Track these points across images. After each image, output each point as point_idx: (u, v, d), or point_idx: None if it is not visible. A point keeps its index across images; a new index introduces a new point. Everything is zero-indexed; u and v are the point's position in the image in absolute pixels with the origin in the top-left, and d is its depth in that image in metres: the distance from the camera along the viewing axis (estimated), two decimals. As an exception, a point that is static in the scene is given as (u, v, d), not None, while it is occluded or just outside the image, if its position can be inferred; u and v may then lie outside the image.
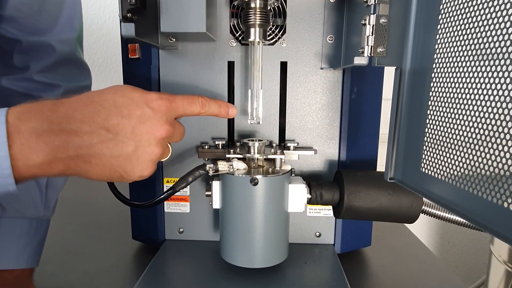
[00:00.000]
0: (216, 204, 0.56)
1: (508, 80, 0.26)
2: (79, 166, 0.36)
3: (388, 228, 0.78)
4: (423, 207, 0.53)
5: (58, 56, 0.59)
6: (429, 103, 0.37)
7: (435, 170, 0.36)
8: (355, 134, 0.61)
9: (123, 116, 0.36)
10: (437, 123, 0.36)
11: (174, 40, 0.58)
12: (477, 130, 0.30)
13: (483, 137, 0.29)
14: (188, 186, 0.60)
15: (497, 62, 0.27)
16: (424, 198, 0.52)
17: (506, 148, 0.26)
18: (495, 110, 0.27)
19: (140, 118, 0.37)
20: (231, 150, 0.55)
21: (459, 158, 0.32)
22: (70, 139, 0.34)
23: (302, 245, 0.65)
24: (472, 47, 0.31)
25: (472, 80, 0.31)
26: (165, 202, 0.65)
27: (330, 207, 0.63)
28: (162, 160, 0.42)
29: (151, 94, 0.39)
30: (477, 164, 0.30)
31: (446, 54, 0.34)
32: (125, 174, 0.38)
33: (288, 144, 0.59)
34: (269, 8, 0.53)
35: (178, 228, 0.66)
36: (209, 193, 0.56)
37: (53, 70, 0.59)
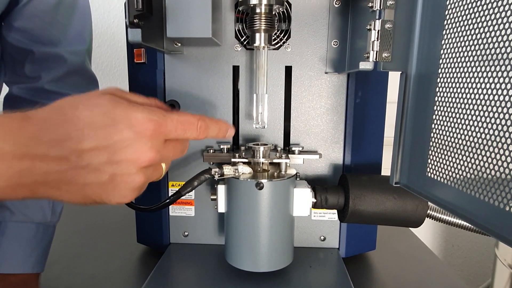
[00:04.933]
0: (221, 208, 0.56)
1: (514, 86, 0.26)
2: (47, 192, 0.32)
3: (392, 232, 0.77)
4: (428, 211, 0.53)
5: (68, 67, 0.60)
6: (435, 107, 0.37)
7: (440, 174, 0.36)
8: (360, 138, 0.62)
9: (99, 140, 0.31)
10: (442, 127, 0.36)
11: (179, 45, 0.58)
12: (483, 135, 0.30)
13: (489, 142, 0.29)
14: (193, 190, 0.60)
15: (503, 68, 0.27)
16: (429, 202, 0.52)
17: (510, 152, 0.26)
18: (501, 115, 0.27)
19: (119, 143, 0.31)
20: (236, 154, 0.55)
21: (465, 163, 0.32)
22: (35, 165, 0.30)
23: (307, 249, 0.65)
24: (478, 52, 0.31)
25: (478, 84, 0.31)
26: (170, 206, 0.65)
27: (335, 211, 0.63)
28: (153, 181, 0.38)
29: (137, 113, 0.32)
30: (482, 168, 0.30)
31: (451, 59, 0.34)
32: (100, 201, 0.34)
33: (293, 148, 0.59)
34: (274, 13, 0.53)
35: (183, 231, 0.66)
36: (214, 197, 0.56)
37: (63, 80, 0.60)
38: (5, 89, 0.62)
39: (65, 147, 0.30)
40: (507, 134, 0.27)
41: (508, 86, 0.27)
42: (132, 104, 0.33)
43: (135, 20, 0.42)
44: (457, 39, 0.33)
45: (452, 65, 0.34)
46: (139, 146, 0.32)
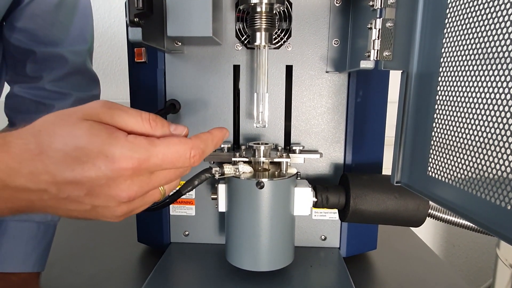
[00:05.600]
0: (222, 207, 0.56)
1: (516, 84, 0.26)
2: (34, 211, 0.32)
3: (393, 231, 0.77)
4: (430, 210, 0.53)
5: (70, 67, 0.60)
6: (436, 106, 0.37)
7: (441, 173, 0.36)
8: (361, 137, 0.61)
9: (75, 175, 0.29)
10: (443, 126, 0.36)
11: (180, 44, 0.58)
12: (484, 134, 0.30)
13: (490, 141, 0.29)
14: (194, 189, 0.60)
15: (504, 66, 0.27)
16: (430, 202, 0.52)
17: (513, 152, 0.26)
18: (502, 114, 0.27)
19: (96, 180, 0.30)
20: (237, 154, 0.55)
21: (466, 162, 0.32)
22: (17, 194, 0.30)
23: (307, 248, 0.65)
24: (479, 50, 0.31)
25: (479, 83, 0.31)
26: (170, 205, 0.65)
27: (336, 210, 0.63)
28: (154, 201, 0.37)
29: (115, 150, 0.30)
30: (484, 167, 0.30)
31: (452, 58, 0.34)
32: (89, 220, 0.34)
33: (294, 148, 0.59)
34: (274, 12, 0.53)
35: (183, 231, 0.66)
36: (215, 196, 0.56)
37: (64, 80, 0.60)
38: (7, 88, 0.62)
39: (43, 181, 0.29)
40: (508, 133, 0.27)
41: (510, 84, 0.27)
42: (113, 136, 0.30)
43: (135, 19, 0.42)
44: (459, 37, 0.33)
45: (454, 63, 0.34)
46: (116, 185, 0.31)
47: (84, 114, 0.30)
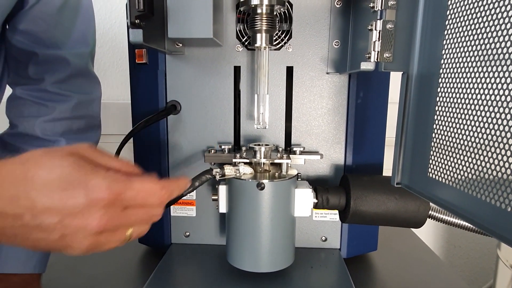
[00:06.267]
0: (223, 208, 0.56)
1: (516, 86, 0.26)
2: (4, 241, 0.33)
3: (394, 232, 0.77)
4: (430, 211, 0.53)
5: (72, 69, 0.60)
6: (436, 108, 0.37)
7: (442, 175, 0.36)
8: (361, 138, 0.62)
9: (53, 202, 0.31)
10: (444, 128, 0.36)
11: (181, 45, 0.58)
12: (484, 136, 0.30)
13: (490, 143, 0.29)
14: (195, 190, 0.60)
15: (505, 68, 0.27)
16: (431, 203, 0.52)
17: (513, 154, 0.26)
18: (503, 115, 0.27)
19: (71, 208, 0.31)
20: (238, 155, 0.55)
21: (466, 163, 0.32)
22: None
23: (308, 249, 0.65)
24: (479, 52, 0.31)
25: (479, 85, 0.31)
26: (171, 206, 0.65)
27: (336, 211, 0.63)
28: (116, 245, 0.38)
29: (96, 180, 0.32)
30: (484, 169, 0.30)
31: (453, 59, 0.34)
32: (54, 251, 0.35)
33: (294, 149, 0.59)
34: (275, 13, 0.53)
35: (184, 232, 0.67)
36: (216, 197, 0.56)
37: (67, 82, 0.60)
38: (9, 90, 0.62)
39: (21, 206, 0.31)
40: (508, 135, 0.27)
41: (510, 86, 0.27)
42: (95, 170, 0.32)
43: (136, 21, 0.42)
44: (459, 39, 0.33)
45: (454, 65, 0.34)
46: (89, 214, 0.32)
47: (70, 151, 0.33)
